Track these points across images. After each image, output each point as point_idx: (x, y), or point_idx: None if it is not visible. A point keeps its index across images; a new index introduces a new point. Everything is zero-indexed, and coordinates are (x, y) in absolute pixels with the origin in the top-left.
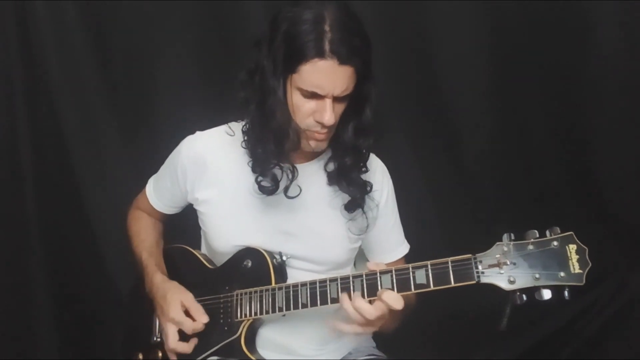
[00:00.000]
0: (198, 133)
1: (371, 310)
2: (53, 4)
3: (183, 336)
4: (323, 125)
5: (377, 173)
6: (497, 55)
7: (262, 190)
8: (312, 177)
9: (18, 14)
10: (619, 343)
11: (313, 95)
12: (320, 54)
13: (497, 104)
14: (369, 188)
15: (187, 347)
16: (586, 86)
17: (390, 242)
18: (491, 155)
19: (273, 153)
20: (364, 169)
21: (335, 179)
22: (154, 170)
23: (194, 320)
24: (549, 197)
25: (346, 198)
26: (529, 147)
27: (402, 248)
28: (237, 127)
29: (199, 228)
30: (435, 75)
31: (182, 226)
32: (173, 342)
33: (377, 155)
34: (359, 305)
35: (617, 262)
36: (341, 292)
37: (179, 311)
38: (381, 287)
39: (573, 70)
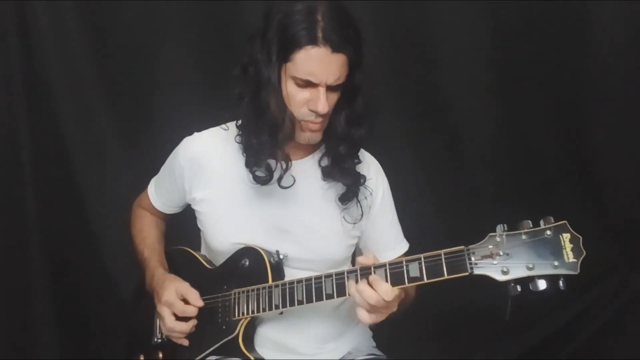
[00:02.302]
0: (196, 134)
1: (390, 290)
2: (53, 4)
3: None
4: (317, 115)
5: (372, 169)
6: (497, 53)
7: (256, 179)
8: (307, 173)
9: (18, 14)
10: (619, 343)
11: (307, 84)
12: (314, 42)
13: (497, 101)
14: (362, 180)
15: (184, 327)
16: (586, 84)
17: (389, 240)
18: (491, 152)
19: (267, 143)
20: (356, 160)
21: (329, 171)
22: (154, 170)
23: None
24: (549, 196)
25: (340, 190)
26: (529, 145)
27: (402, 246)
28: (232, 124)
29: (199, 230)
30: (436, 73)
31: (183, 227)
32: (170, 321)
33: (377, 152)
34: (386, 289)
35: (617, 262)
36: (336, 288)
37: (172, 294)
38: None
39: (573, 67)
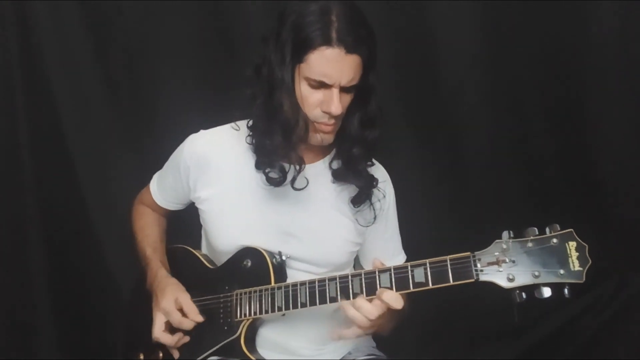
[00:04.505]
0: (202, 132)
1: (371, 309)
2: (53, 4)
3: (172, 331)
4: (330, 116)
5: (382, 177)
6: (497, 55)
7: (270, 181)
8: (317, 176)
9: (18, 14)
10: (619, 343)
11: (320, 85)
12: (328, 42)
13: (497, 103)
14: (375, 182)
15: (169, 340)
16: (587, 86)
17: (387, 252)
18: (491, 155)
19: (280, 145)
20: (369, 163)
21: (342, 174)
22: (156, 168)
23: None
24: (550, 197)
25: (352, 193)
26: (529, 147)
27: (399, 258)
28: (242, 123)
29: (200, 228)
30: (436, 75)
31: (183, 226)
32: (157, 331)
33: (376, 155)
34: (360, 304)
35: (617, 262)
36: (340, 291)
37: (170, 303)
38: (380, 286)
39: (574, 68)
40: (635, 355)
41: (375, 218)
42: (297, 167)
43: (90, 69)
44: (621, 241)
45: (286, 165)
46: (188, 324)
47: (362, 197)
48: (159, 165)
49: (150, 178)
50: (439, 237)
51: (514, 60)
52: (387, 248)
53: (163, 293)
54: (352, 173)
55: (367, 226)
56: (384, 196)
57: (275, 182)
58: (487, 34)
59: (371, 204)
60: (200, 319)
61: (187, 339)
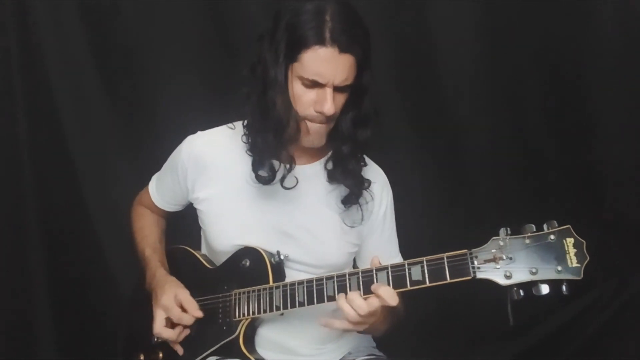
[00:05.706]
0: (199, 133)
1: (363, 305)
2: (53, 4)
3: (172, 326)
4: (323, 116)
5: (378, 183)
6: (497, 55)
7: (259, 179)
8: (313, 177)
9: (18, 14)
10: (619, 343)
11: (314, 85)
12: (321, 42)
13: (497, 103)
14: (367, 184)
15: (171, 334)
16: (587, 84)
17: (384, 254)
18: (491, 153)
19: (272, 143)
20: (362, 164)
21: (333, 173)
22: (155, 169)
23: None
24: (549, 197)
25: (343, 193)
26: (529, 146)
27: (396, 261)
28: (239, 124)
29: (199, 229)
30: (436, 75)
31: (183, 227)
32: (159, 326)
33: (376, 154)
34: (352, 297)
35: (617, 262)
36: (337, 290)
37: (170, 298)
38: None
39: (574, 68)
40: (635, 355)
41: (362, 219)
42: (287, 166)
43: (89, 69)
44: (621, 241)
45: (276, 164)
46: (188, 319)
47: (352, 197)
48: (158, 166)
49: (150, 178)
50: (438, 236)
51: (514, 60)
52: (384, 250)
53: (162, 290)
54: (341, 172)
55: (353, 227)
56: (373, 198)
57: (263, 180)
58: (487, 34)
59: (359, 205)
60: (199, 314)
61: (187, 331)
